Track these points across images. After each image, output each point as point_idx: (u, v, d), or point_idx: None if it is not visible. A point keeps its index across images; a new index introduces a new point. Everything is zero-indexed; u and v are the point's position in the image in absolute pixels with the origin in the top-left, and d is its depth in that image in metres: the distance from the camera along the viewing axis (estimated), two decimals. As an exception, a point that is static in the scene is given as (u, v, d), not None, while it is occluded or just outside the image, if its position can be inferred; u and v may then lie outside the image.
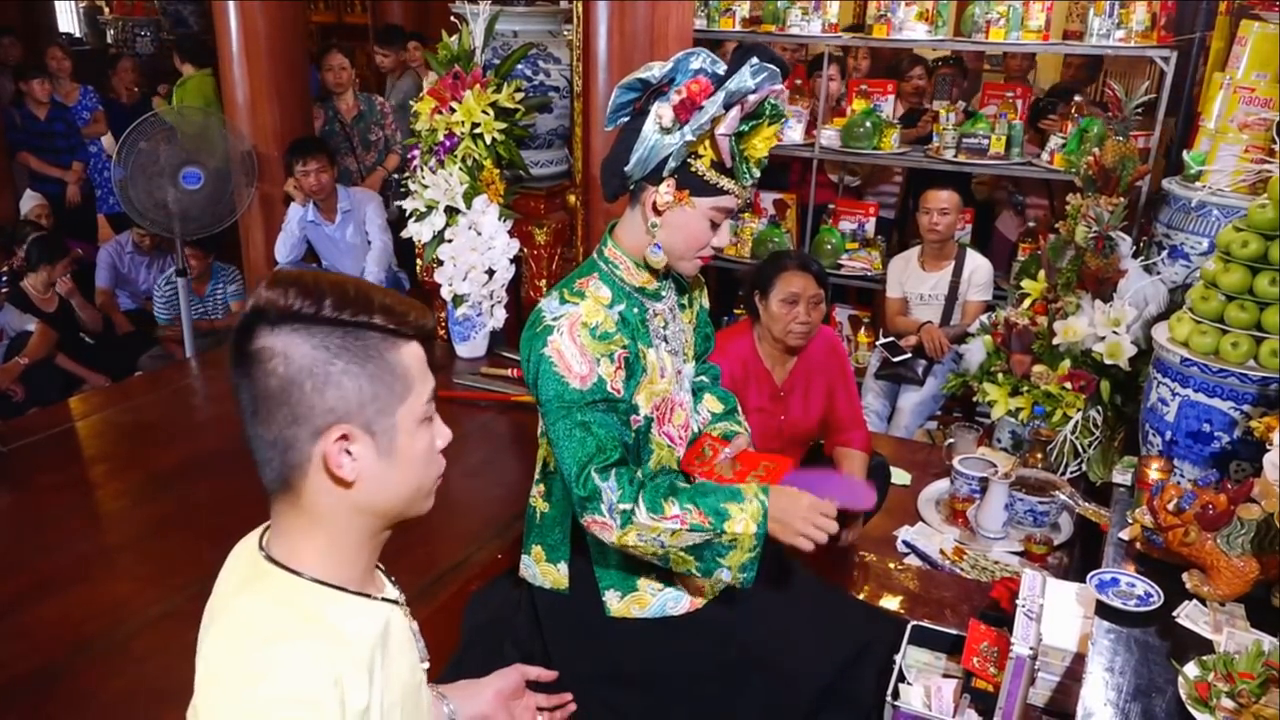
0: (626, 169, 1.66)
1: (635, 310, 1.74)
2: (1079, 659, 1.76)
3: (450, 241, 3.21)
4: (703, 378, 2.04)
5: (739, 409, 2.05)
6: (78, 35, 10.01)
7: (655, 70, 1.62)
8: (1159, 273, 2.80)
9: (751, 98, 1.58)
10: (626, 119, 1.68)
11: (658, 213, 1.67)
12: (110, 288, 4.80)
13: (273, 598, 1.00)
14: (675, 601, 1.79)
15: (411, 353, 1.02)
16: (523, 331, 1.70)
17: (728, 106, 1.57)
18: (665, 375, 1.78)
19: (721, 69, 1.60)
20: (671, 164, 1.62)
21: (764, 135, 1.66)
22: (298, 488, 1.01)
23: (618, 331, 1.67)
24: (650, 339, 1.75)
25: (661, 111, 1.59)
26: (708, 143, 1.62)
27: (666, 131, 1.60)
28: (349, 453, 0.99)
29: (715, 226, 1.70)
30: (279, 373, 0.96)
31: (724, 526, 1.61)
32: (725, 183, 1.66)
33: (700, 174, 1.64)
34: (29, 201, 5.60)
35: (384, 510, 1.05)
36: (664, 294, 1.81)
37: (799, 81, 4.85)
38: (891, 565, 2.40)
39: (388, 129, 4.89)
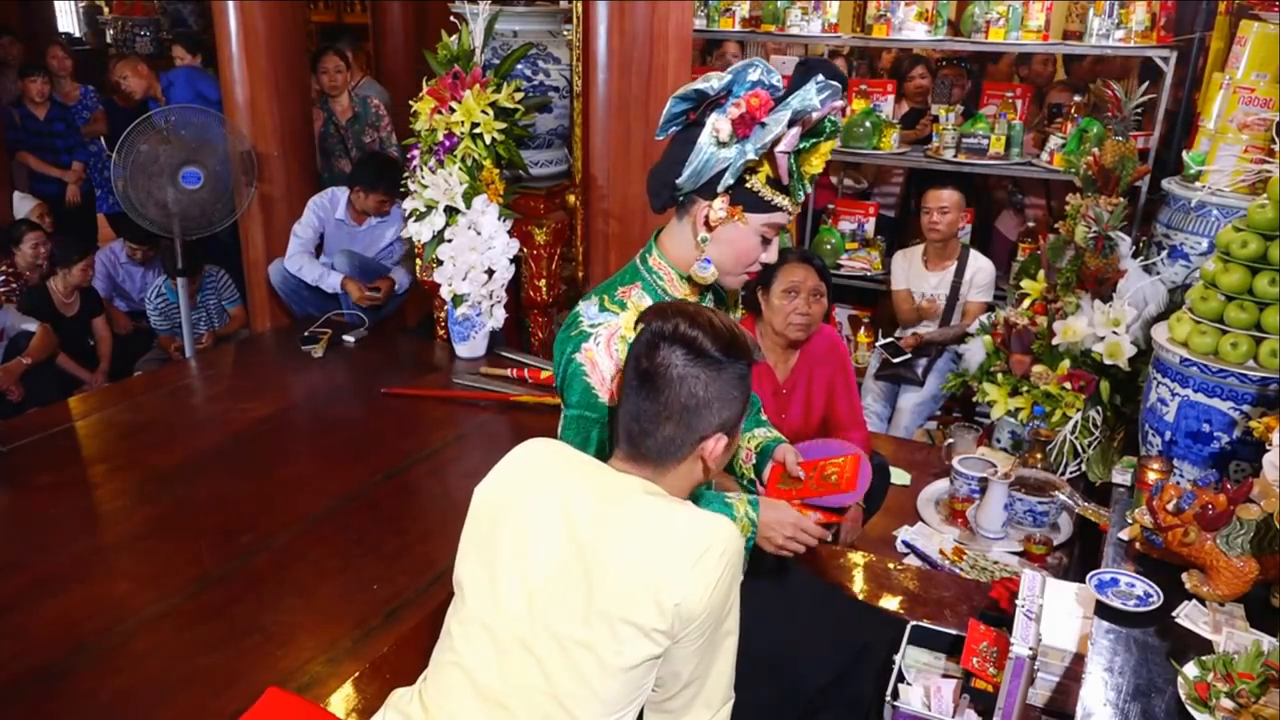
0: (678, 181, 1.63)
1: None
2: (1078, 659, 1.75)
3: (450, 241, 3.21)
4: None
5: (760, 406, 2.05)
6: (77, 35, 10.01)
7: (713, 81, 1.59)
8: (1158, 273, 2.80)
9: (814, 115, 1.55)
10: (678, 129, 1.65)
11: (709, 228, 1.64)
12: (107, 296, 4.79)
13: (664, 500, 1.38)
14: None
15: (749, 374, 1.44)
16: (558, 332, 1.69)
17: (791, 124, 1.54)
18: None
19: (777, 79, 1.58)
20: (728, 180, 1.59)
21: (821, 152, 1.64)
22: (668, 463, 1.39)
23: None
24: None
25: (719, 125, 1.56)
26: (765, 159, 1.59)
27: (723, 145, 1.57)
28: (721, 449, 1.40)
29: (766, 242, 1.67)
30: (699, 394, 1.35)
31: None
32: (780, 199, 1.63)
33: (755, 190, 1.61)
34: (22, 203, 5.58)
35: (703, 483, 1.46)
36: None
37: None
38: (891, 565, 2.39)
39: (382, 131, 4.89)
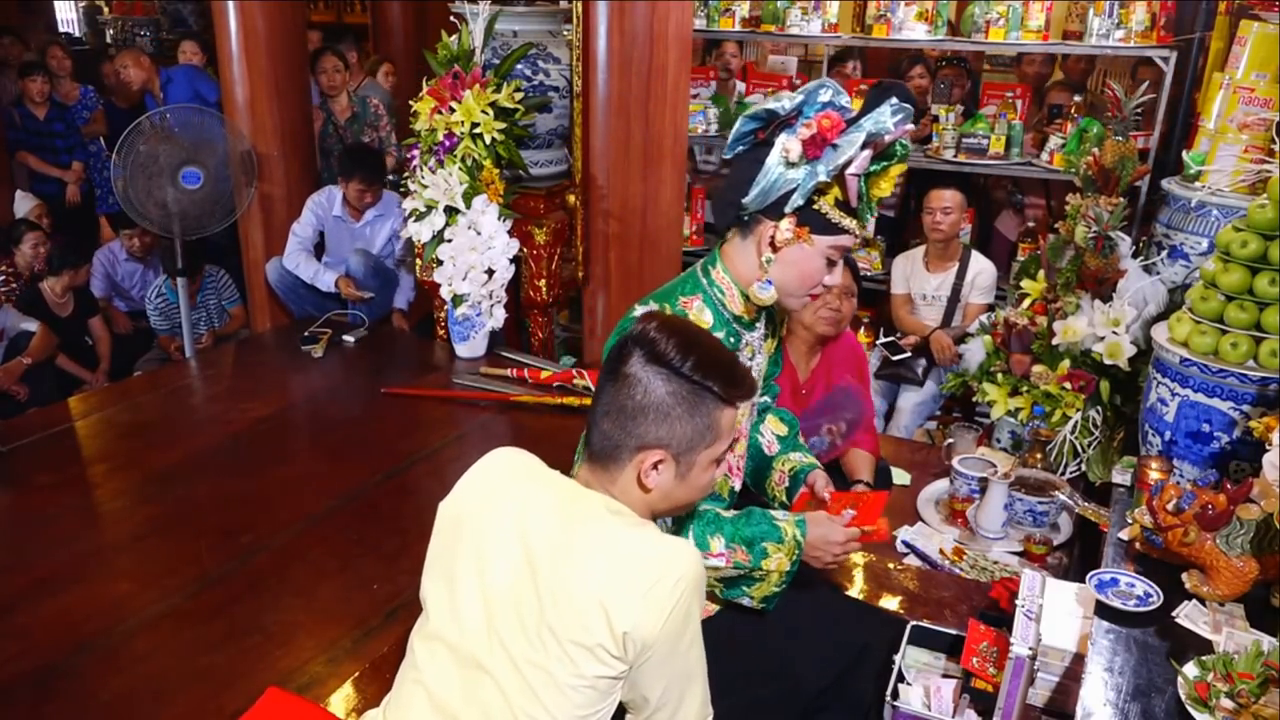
0: (745, 200, 1.62)
1: (731, 339, 1.71)
2: (1078, 659, 1.75)
3: (450, 241, 3.21)
4: (765, 397, 2.01)
5: (798, 430, 2.05)
6: (77, 35, 10.00)
7: (785, 101, 1.58)
8: (1158, 273, 2.80)
9: (886, 138, 1.55)
10: (744, 149, 1.64)
11: (774, 248, 1.63)
12: (106, 296, 4.79)
13: (626, 523, 1.33)
14: None
15: (729, 414, 1.36)
16: (611, 335, 1.67)
17: (863, 147, 1.53)
18: (740, 407, 1.77)
19: (846, 101, 1.57)
20: (797, 201, 1.58)
21: (890, 175, 1.63)
22: (612, 470, 1.35)
23: None
24: None
25: (789, 145, 1.55)
26: (834, 181, 1.58)
27: (792, 166, 1.56)
28: (656, 469, 1.33)
29: (831, 264, 1.66)
30: (636, 398, 1.31)
31: (761, 564, 1.65)
32: (847, 222, 1.62)
33: (823, 212, 1.60)
34: (23, 203, 5.59)
35: (659, 511, 1.38)
36: (757, 325, 1.78)
37: (798, 82, 4.85)
38: (891, 565, 2.39)
39: (382, 130, 4.89)
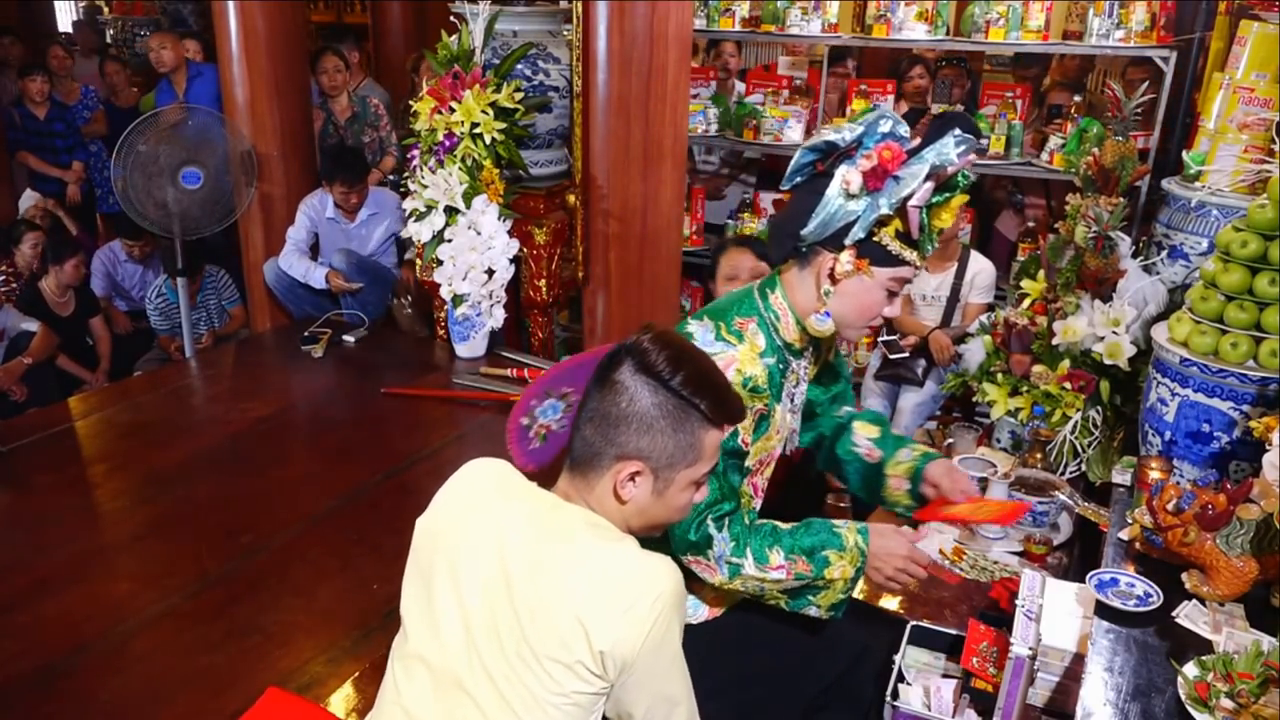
0: (804, 231, 1.60)
1: (781, 366, 1.70)
2: (1078, 659, 1.76)
3: (450, 241, 3.21)
4: (848, 408, 2.00)
5: (887, 422, 2.03)
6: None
7: (845, 133, 1.56)
8: (1158, 273, 2.80)
9: (949, 169, 1.54)
10: (802, 180, 1.63)
11: (834, 280, 1.61)
12: (106, 296, 4.80)
13: (604, 538, 1.31)
14: (694, 610, 1.77)
15: (714, 436, 1.34)
16: None
17: (926, 178, 1.52)
18: (781, 433, 1.75)
19: (904, 130, 1.56)
20: (858, 233, 1.56)
21: (951, 207, 1.61)
22: (590, 478, 1.33)
23: (766, 388, 1.63)
24: (782, 396, 1.72)
25: (849, 177, 1.54)
26: (896, 212, 1.57)
27: (852, 197, 1.55)
28: (633, 481, 1.31)
29: (891, 296, 1.65)
30: (621, 406, 1.29)
31: (824, 573, 1.63)
32: (908, 253, 1.60)
33: (884, 244, 1.58)
34: (28, 201, 5.59)
35: (635, 527, 1.35)
36: (805, 353, 1.77)
37: (799, 81, 4.84)
38: (891, 565, 2.39)
39: (382, 130, 4.89)
